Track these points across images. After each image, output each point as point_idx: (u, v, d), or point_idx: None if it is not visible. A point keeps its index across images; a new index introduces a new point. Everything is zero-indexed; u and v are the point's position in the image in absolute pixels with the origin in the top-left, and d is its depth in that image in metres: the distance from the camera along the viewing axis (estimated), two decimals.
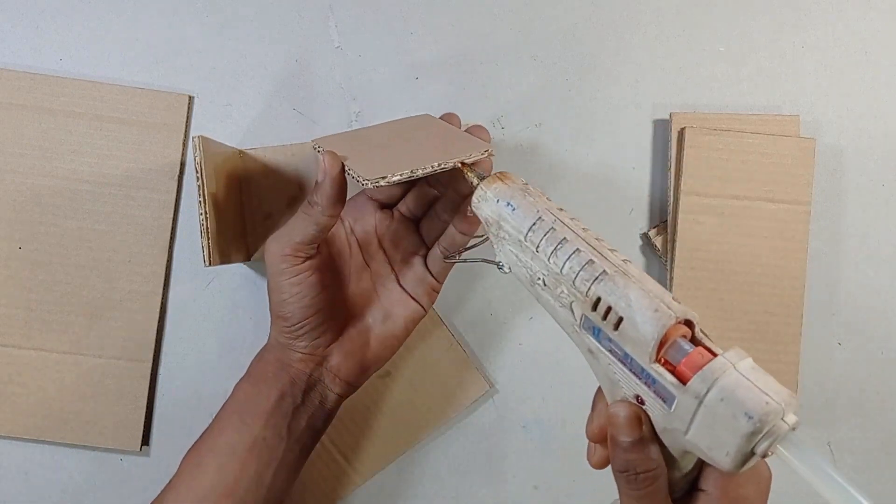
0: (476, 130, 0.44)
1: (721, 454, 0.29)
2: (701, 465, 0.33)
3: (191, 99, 0.51)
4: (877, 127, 0.52)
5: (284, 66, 0.52)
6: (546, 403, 0.52)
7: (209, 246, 0.43)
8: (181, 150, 0.51)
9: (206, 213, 0.43)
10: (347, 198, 0.41)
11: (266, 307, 0.52)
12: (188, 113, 0.51)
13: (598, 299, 0.32)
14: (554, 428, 0.52)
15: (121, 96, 0.51)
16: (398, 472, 0.52)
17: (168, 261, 0.51)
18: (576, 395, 0.52)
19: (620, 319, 0.32)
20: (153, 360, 0.51)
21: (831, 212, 0.52)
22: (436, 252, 0.45)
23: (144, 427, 0.51)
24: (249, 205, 0.50)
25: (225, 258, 0.45)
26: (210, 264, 0.43)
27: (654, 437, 0.33)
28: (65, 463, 0.52)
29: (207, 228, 0.43)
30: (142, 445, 0.51)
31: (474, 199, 0.38)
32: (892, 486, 0.52)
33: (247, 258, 0.50)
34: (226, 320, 0.52)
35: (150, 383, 0.51)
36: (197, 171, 0.43)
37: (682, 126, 0.50)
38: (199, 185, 0.43)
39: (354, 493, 0.51)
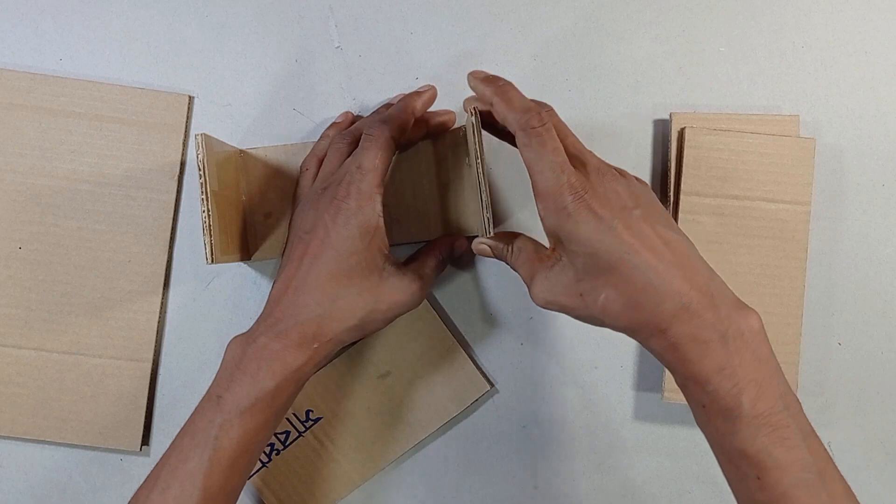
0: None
1: None
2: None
3: (191, 99, 0.51)
4: (877, 127, 0.52)
5: (284, 66, 0.52)
6: (546, 403, 0.52)
7: (211, 243, 0.43)
8: (181, 149, 0.51)
9: (208, 210, 0.43)
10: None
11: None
12: (188, 113, 0.51)
13: None
14: (554, 428, 0.52)
15: (121, 96, 0.51)
16: (398, 472, 0.52)
17: (168, 261, 0.51)
18: (576, 395, 0.52)
19: None
20: (153, 360, 0.51)
21: (831, 212, 0.52)
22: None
23: (144, 427, 0.51)
24: (250, 204, 0.50)
25: (226, 256, 0.45)
26: (212, 261, 0.43)
27: None
28: (65, 463, 0.52)
29: (210, 225, 0.43)
30: (142, 445, 0.51)
31: None
32: (893, 486, 0.52)
33: (247, 257, 0.50)
34: (226, 320, 0.52)
35: (150, 383, 0.51)
36: (199, 169, 0.43)
37: (682, 126, 0.50)
38: (201, 183, 0.43)
39: (354, 493, 0.51)
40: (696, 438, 0.52)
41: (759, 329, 0.37)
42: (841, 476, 0.36)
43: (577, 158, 0.41)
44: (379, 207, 0.43)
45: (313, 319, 0.42)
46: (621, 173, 0.42)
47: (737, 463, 0.36)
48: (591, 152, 0.42)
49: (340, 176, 0.44)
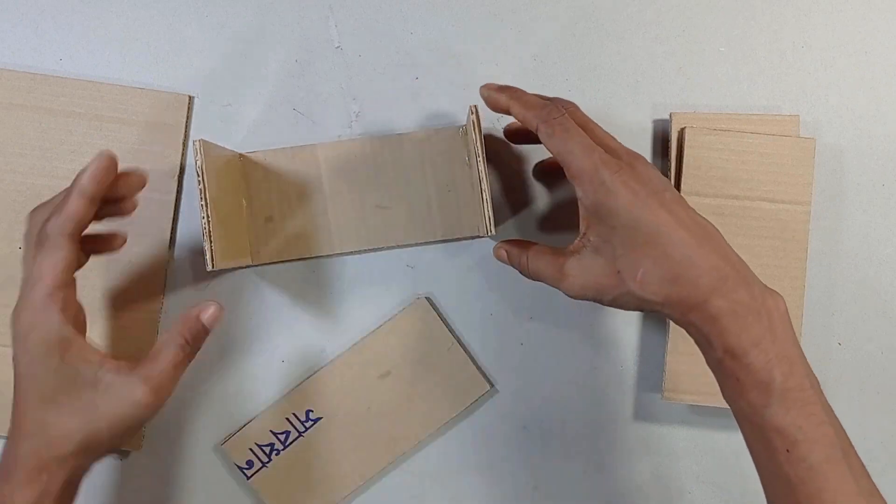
0: None
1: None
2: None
3: (191, 99, 0.51)
4: (877, 127, 0.52)
5: (284, 66, 0.52)
6: (546, 403, 0.52)
7: (211, 249, 0.43)
8: (181, 150, 0.51)
9: (207, 216, 0.43)
10: None
11: (267, 307, 0.52)
12: (188, 113, 0.51)
13: None
14: (554, 428, 0.52)
15: (121, 96, 0.51)
16: (398, 472, 0.52)
17: (168, 261, 0.51)
18: (576, 395, 0.52)
19: None
20: None
21: (831, 212, 0.52)
22: None
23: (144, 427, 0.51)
24: (250, 208, 0.50)
25: (227, 261, 0.45)
26: (213, 267, 0.43)
27: None
28: None
29: (209, 232, 0.43)
30: (142, 445, 0.51)
31: None
32: (893, 487, 0.52)
33: (248, 261, 0.50)
34: (226, 320, 0.52)
35: None
36: (198, 175, 0.42)
37: (682, 126, 0.50)
38: (200, 189, 0.42)
39: (354, 493, 0.51)
40: (696, 438, 0.52)
41: (785, 311, 0.39)
42: (857, 453, 0.38)
43: (607, 146, 0.41)
44: (60, 317, 0.39)
45: (30, 453, 0.39)
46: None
47: (768, 437, 0.37)
48: (620, 143, 0.43)
49: (23, 281, 0.40)
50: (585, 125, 0.42)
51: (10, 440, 0.40)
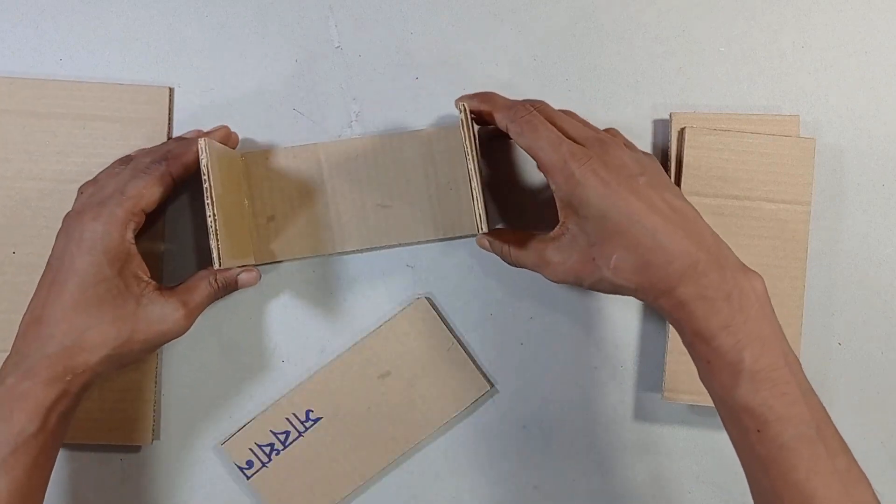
0: None
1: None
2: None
3: (171, 90, 0.51)
4: (877, 127, 0.52)
5: (284, 66, 0.52)
6: (546, 403, 0.52)
7: (219, 247, 0.42)
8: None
9: (214, 214, 0.42)
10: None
11: (267, 307, 0.52)
12: (170, 105, 0.51)
13: None
14: (554, 428, 0.52)
15: (101, 94, 0.51)
16: (398, 472, 0.52)
17: (161, 254, 0.51)
18: (576, 395, 0.52)
19: None
20: (155, 362, 0.51)
21: (831, 212, 0.52)
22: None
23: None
24: (252, 207, 0.50)
25: (234, 260, 0.45)
26: (220, 265, 0.42)
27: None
28: (65, 463, 0.52)
29: (217, 231, 0.42)
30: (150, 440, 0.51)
31: None
32: (893, 487, 0.52)
33: (251, 261, 0.50)
34: (226, 320, 0.52)
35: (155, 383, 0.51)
36: (204, 174, 0.42)
37: (682, 126, 0.50)
38: (206, 188, 0.42)
39: (354, 493, 0.51)
40: (696, 438, 0.52)
41: (763, 291, 0.39)
42: (837, 431, 0.38)
43: (578, 136, 0.42)
44: (130, 235, 0.43)
45: (61, 352, 0.40)
46: (628, 145, 0.43)
47: (738, 417, 0.37)
48: (594, 128, 0.43)
49: (98, 198, 0.43)
50: (553, 118, 0.42)
51: (34, 339, 0.41)
